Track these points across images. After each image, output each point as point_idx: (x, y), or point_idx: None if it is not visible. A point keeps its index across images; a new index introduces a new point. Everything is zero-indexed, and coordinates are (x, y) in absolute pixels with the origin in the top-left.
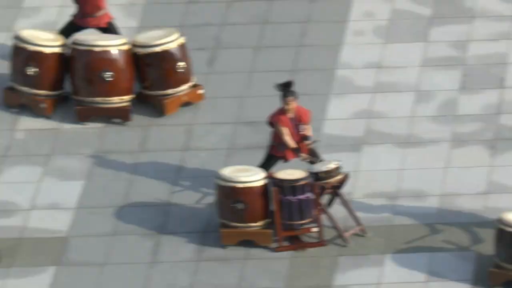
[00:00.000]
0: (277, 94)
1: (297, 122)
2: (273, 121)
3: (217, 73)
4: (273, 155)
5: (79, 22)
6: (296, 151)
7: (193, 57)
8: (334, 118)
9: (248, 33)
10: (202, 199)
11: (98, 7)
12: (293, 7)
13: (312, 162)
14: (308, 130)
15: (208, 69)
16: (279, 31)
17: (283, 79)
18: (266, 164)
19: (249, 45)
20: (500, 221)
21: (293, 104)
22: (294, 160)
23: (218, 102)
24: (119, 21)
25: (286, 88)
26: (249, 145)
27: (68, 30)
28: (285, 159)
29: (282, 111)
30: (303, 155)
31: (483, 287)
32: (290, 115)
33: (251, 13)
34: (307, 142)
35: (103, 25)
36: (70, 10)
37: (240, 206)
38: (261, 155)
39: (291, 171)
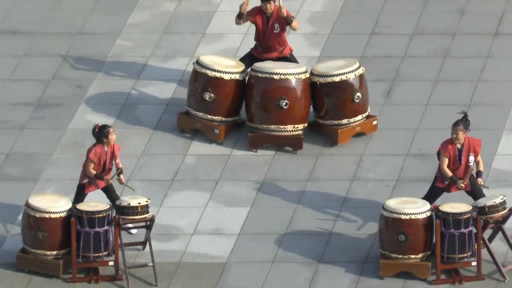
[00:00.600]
0: (450, 127)
1: (468, 153)
2: (440, 149)
3: (393, 104)
4: (438, 187)
5: (259, 55)
6: (454, 182)
7: (371, 88)
8: (504, 153)
9: (428, 66)
10: (364, 229)
11: (283, 42)
12: (475, 42)
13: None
14: (479, 164)
15: (384, 101)
16: (459, 65)
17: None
18: (431, 195)
19: (427, 78)
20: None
21: (459, 134)
22: (457, 193)
23: (391, 134)
24: (302, 50)
25: (458, 120)
26: (418, 177)
27: (245, 61)
28: (449, 191)
29: (450, 140)
30: (462, 183)
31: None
32: (458, 145)
33: (433, 47)
34: (479, 179)
35: (285, 54)
36: (252, 37)
37: (402, 237)
38: (428, 188)
39: (456, 205)
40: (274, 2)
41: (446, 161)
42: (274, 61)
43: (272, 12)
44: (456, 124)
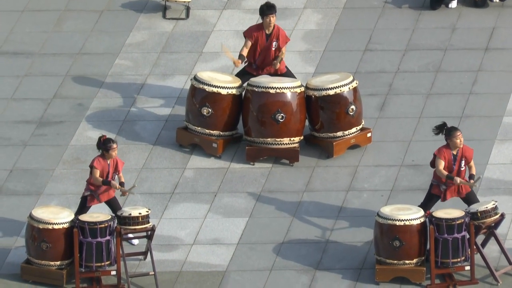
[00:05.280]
0: (443, 138)
1: (461, 159)
2: (435, 153)
3: (387, 117)
4: (434, 194)
5: (255, 71)
6: (451, 179)
7: (365, 102)
8: (495, 163)
9: (421, 81)
10: (359, 236)
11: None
12: (467, 56)
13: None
14: (472, 169)
15: (378, 114)
16: (451, 79)
17: (450, 124)
18: (427, 203)
19: (420, 91)
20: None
21: (462, 138)
22: (452, 200)
23: (385, 145)
24: (297, 67)
25: (451, 127)
26: (411, 187)
27: (242, 79)
28: (444, 198)
29: (446, 146)
30: (458, 180)
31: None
32: (454, 151)
33: (426, 62)
34: (471, 181)
35: (281, 71)
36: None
37: (397, 243)
38: (422, 197)
39: (449, 210)
40: (275, 16)
41: (442, 163)
42: (271, 75)
43: (273, 29)
44: (455, 129)
